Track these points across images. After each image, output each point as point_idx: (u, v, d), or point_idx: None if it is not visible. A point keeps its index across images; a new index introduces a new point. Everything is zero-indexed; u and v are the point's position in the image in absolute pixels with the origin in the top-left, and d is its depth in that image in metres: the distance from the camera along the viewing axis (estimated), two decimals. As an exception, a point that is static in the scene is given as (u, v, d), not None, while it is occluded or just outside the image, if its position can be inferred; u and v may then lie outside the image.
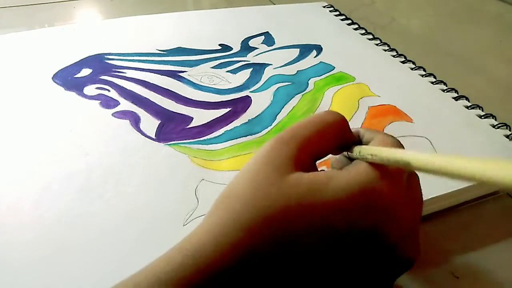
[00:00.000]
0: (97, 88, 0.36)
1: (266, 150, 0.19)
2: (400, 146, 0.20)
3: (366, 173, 0.18)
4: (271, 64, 0.41)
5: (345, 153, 0.21)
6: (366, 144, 0.21)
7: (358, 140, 0.22)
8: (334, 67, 0.41)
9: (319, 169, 0.20)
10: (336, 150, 0.21)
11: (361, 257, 0.18)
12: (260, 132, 0.32)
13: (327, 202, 0.17)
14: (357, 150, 0.20)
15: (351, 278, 0.18)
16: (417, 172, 0.21)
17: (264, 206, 0.17)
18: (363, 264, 0.18)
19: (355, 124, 0.33)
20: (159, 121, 0.33)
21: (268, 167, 0.18)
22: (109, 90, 0.36)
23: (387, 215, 0.18)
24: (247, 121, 0.33)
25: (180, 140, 0.31)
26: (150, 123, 0.33)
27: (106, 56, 0.41)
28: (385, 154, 0.18)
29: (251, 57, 0.42)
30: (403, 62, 0.43)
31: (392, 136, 0.21)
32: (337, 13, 0.53)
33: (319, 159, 0.20)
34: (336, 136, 0.21)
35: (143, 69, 0.39)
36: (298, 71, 0.40)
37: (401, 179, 0.19)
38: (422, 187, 0.26)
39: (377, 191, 0.17)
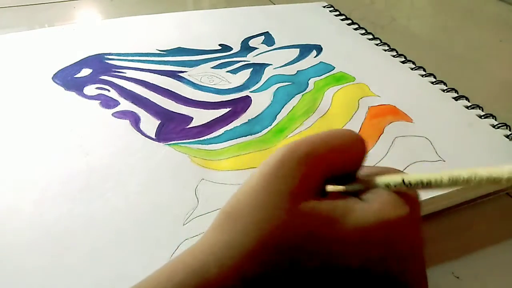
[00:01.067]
0: (97, 88, 0.36)
1: (276, 165, 0.17)
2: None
3: (391, 205, 0.16)
4: (271, 64, 0.41)
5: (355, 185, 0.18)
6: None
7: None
8: (334, 67, 0.41)
9: None
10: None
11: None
12: (260, 132, 0.32)
13: (345, 237, 0.15)
14: (380, 180, 0.17)
15: None
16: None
17: (274, 233, 0.15)
18: None
19: (355, 124, 0.33)
20: (159, 121, 0.33)
21: (279, 187, 0.16)
22: (109, 90, 0.36)
23: (410, 252, 0.16)
24: (247, 121, 0.33)
25: (180, 140, 0.31)
26: (150, 123, 0.33)
27: (106, 56, 0.41)
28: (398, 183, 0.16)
29: (251, 57, 0.42)
30: (403, 62, 0.43)
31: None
32: (337, 13, 0.53)
33: (330, 177, 0.18)
34: (353, 160, 0.18)
35: (143, 69, 0.39)
36: (298, 71, 0.40)
37: (419, 210, 0.17)
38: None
39: (401, 226, 0.16)
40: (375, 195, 0.17)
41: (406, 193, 0.17)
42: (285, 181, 0.16)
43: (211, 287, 0.15)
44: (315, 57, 0.43)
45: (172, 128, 0.32)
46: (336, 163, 0.17)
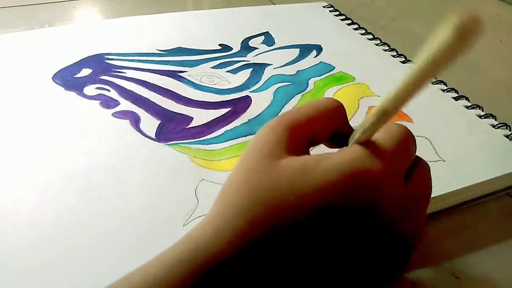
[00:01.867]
0: (97, 88, 0.36)
1: (256, 137, 0.19)
2: (409, 136, 0.20)
3: (355, 152, 0.18)
4: (271, 64, 0.41)
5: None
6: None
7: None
8: (334, 67, 0.41)
9: None
10: (331, 139, 0.21)
11: (362, 237, 0.18)
12: (260, 132, 0.32)
13: (318, 183, 0.17)
14: (352, 136, 0.20)
15: (356, 264, 0.18)
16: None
17: (257, 193, 0.17)
18: (365, 246, 0.18)
19: (355, 124, 0.33)
20: (159, 121, 0.33)
21: (257, 154, 0.18)
22: (109, 90, 0.36)
23: (380, 192, 0.17)
24: (247, 121, 0.33)
25: (180, 140, 0.31)
26: (150, 123, 0.33)
27: (106, 56, 0.41)
28: (368, 120, 0.18)
29: (251, 57, 0.42)
30: (403, 62, 0.43)
31: (399, 125, 0.20)
32: (337, 13, 0.53)
33: (313, 144, 0.21)
34: (331, 122, 0.21)
35: (143, 69, 0.39)
36: (298, 71, 0.40)
37: (393, 159, 0.18)
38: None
39: (366, 169, 0.17)
40: (349, 148, 0.18)
41: (383, 148, 0.18)
42: (262, 148, 0.19)
43: (211, 256, 0.16)
44: (315, 57, 0.43)
45: (172, 128, 0.32)
46: (311, 126, 0.20)
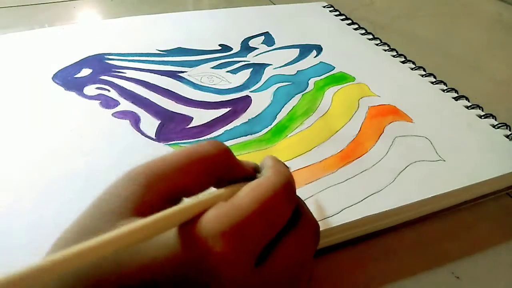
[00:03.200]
0: (97, 88, 0.36)
1: (110, 186, 0.16)
2: (280, 193, 0.16)
3: (192, 227, 0.15)
4: (271, 64, 0.41)
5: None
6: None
7: (252, 175, 0.18)
8: (334, 67, 0.41)
9: None
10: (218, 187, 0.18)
11: None
12: (260, 131, 0.32)
13: (143, 260, 0.14)
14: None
15: None
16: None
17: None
18: None
19: (355, 124, 0.33)
20: (159, 121, 0.33)
21: (99, 210, 0.16)
22: (109, 90, 0.36)
23: (217, 280, 0.14)
24: (247, 120, 0.33)
25: (180, 140, 0.31)
26: (150, 123, 0.33)
27: (106, 56, 0.41)
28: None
29: (251, 57, 0.42)
30: (403, 62, 0.43)
31: (281, 181, 0.16)
32: (337, 13, 0.53)
33: (178, 198, 0.17)
34: (208, 172, 0.17)
35: (143, 69, 0.39)
36: (298, 71, 0.40)
37: (242, 235, 0.15)
38: (423, 186, 0.25)
39: (201, 249, 0.14)
40: (191, 221, 0.15)
41: (230, 220, 0.15)
42: (109, 202, 0.16)
43: None
44: (315, 57, 0.43)
45: (172, 128, 0.32)
46: (177, 179, 0.16)
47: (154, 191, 0.16)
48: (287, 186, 0.16)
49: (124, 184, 0.16)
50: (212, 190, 0.17)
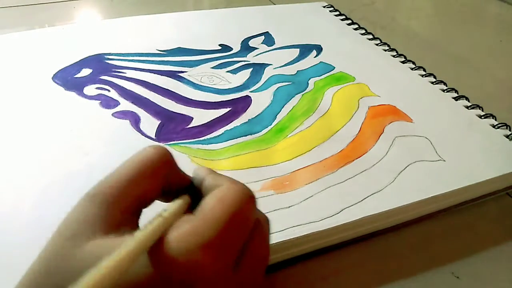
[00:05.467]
0: (97, 88, 0.36)
1: (71, 211, 0.17)
2: (246, 204, 0.16)
3: (172, 238, 0.15)
4: (271, 64, 0.41)
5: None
6: (205, 191, 0.18)
7: (189, 185, 0.19)
8: (334, 67, 0.41)
9: None
10: (164, 193, 0.18)
11: None
12: (260, 131, 0.32)
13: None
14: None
15: None
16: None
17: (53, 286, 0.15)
18: None
19: (355, 124, 0.33)
20: (159, 121, 0.33)
21: (65, 233, 0.16)
22: (109, 90, 0.36)
23: None
24: (247, 120, 0.33)
25: (180, 140, 0.31)
26: (150, 123, 0.33)
27: (106, 56, 0.41)
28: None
29: (251, 57, 0.42)
30: (403, 62, 0.43)
31: (243, 188, 0.17)
32: (337, 13, 0.53)
33: (146, 206, 0.18)
34: (158, 176, 0.18)
35: (143, 69, 0.39)
36: (298, 71, 0.40)
37: (220, 245, 0.15)
38: (423, 186, 0.25)
39: (182, 261, 0.14)
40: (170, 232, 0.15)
41: (207, 233, 0.15)
42: (71, 226, 0.16)
43: None
44: (315, 57, 0.43)
45: (172, 128, 0.32)
46: (142, 191, 0.17)
47: (114, 208, 0.16)
48: (248, 191, 0.17)
49: (84, 205, 0.17)
50: (166, 206, 0.17)
